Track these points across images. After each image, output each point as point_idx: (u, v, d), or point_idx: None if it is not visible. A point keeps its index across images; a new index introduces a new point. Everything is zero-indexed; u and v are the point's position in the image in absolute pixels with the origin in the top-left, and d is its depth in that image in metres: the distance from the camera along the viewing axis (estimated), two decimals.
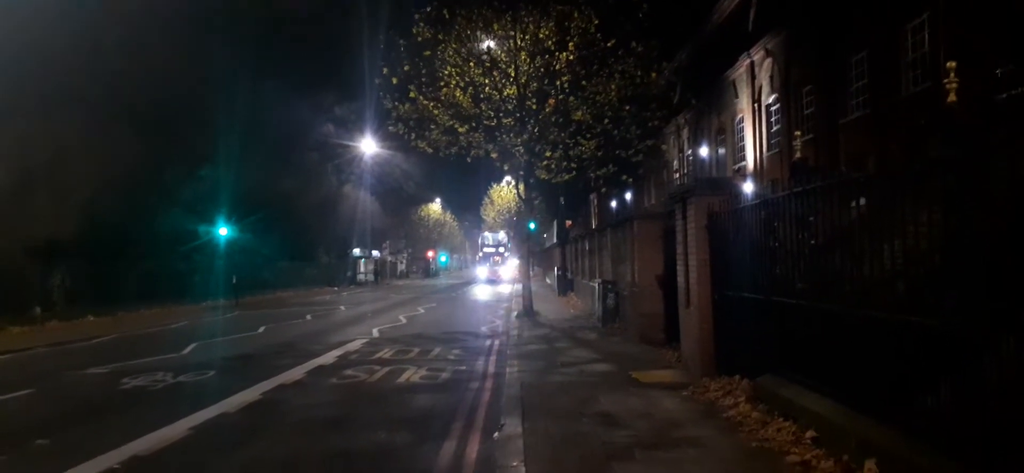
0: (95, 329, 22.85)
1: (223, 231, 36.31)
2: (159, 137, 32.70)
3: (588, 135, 23.31)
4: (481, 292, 43.94)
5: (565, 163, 23.65)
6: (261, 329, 21.78)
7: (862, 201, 6.64)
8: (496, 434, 8.09)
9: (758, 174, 30.75)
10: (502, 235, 72.30)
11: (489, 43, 22.46)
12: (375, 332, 20.04)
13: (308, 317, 26.37)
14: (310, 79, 59.30)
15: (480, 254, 73.63)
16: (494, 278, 63.45)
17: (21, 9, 23.73)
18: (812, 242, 7.47)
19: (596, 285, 20.34)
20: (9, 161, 24.20)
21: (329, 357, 14.99)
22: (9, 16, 23.31)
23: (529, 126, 22.65)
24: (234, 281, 35.59)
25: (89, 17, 25.34)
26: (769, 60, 30.42)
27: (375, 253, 71.42)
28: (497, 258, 71.34)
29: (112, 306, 28.19)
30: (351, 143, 50.57)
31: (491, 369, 13.14)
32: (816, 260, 7.35)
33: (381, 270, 71.88)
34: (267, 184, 41.38)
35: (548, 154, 23.42)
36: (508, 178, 30.37)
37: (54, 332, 21.90)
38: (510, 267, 63.20)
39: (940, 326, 5.29)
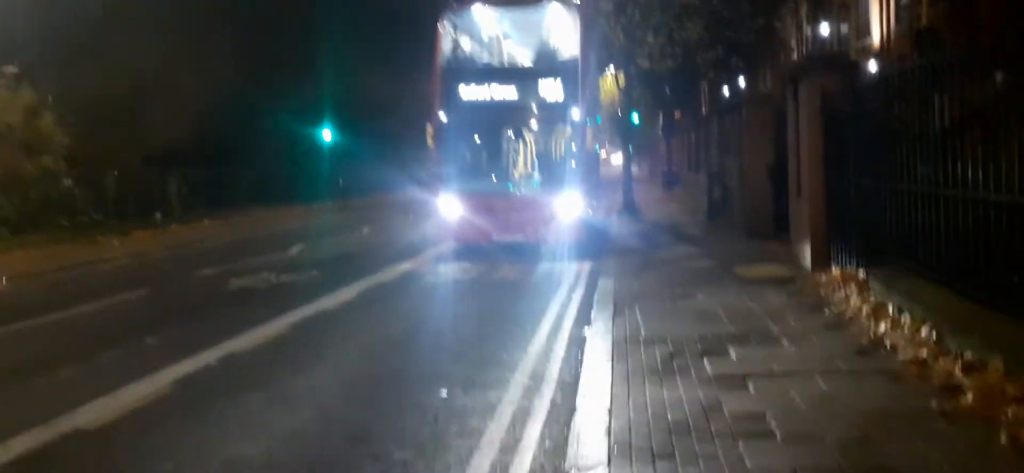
0: (210, 231, 23.93)
1: (327, 134, 37.01)
2: (266, 43, 33.34)
3: (694, 16, 21.91)
4: None
5: (669, 48, 22.40)
6: (365, 230, 22.22)
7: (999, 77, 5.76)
8: (586, 328, 7.86)
9: (884, 53, 28.35)
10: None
11: None
12: None
13: (410, 217, 26.71)
14: None
15: (441, 117, 14.07)
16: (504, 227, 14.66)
17: None
18: (938, 123, 6.62)
19: (702, 178, 19.54)
20: (122, 70, 25.13)
21: (427, 255, 15.14)
22: None
23: (628, 9, 21.47)
24: (340, 183, 36.42)
25: None
26: None
27: None
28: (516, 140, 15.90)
29: (226, 209, 29.46)
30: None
31: (586, 266, 12.81)
32: (942, 142, 6.50)
33: None
34: (372, 87, 41.63)
35: (650, 39, 22.23)
36: (610, 67, 29.10)
37: (173, 235, 22.95)
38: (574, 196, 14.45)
39: None
